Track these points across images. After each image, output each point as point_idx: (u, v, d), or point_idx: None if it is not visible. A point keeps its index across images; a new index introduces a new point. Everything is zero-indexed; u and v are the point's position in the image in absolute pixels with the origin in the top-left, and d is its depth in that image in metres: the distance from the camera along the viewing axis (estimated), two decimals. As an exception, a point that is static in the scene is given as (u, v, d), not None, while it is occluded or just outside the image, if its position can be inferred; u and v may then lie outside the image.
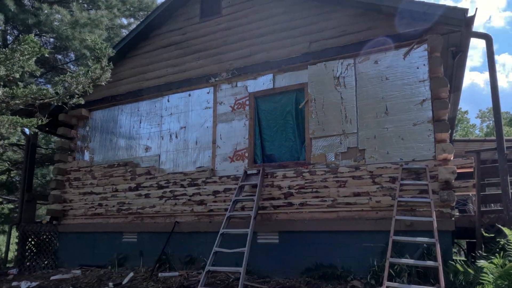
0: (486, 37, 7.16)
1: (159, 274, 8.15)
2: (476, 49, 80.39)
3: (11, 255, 15.37)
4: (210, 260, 6.98)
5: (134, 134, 10.31)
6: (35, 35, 15.55)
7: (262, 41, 8.97)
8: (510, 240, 5.54)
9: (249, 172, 8.32)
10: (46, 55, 6.85)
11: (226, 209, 8.07)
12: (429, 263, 5.90)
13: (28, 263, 10.48)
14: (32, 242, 10.77)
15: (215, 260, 7.11)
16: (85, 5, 17.45)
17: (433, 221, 6.10)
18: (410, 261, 6.18)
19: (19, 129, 7.18)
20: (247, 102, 8.93)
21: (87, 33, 14.59)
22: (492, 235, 6.59)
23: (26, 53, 6.46)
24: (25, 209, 11.24)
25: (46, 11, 14.21)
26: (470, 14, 6.83)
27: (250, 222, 7.27)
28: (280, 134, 8.55)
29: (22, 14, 13.90)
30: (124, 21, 20.35)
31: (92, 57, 7.23)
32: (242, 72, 9.02)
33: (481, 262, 5.28)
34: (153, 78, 10.22)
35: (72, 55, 18.24)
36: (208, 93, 9.47)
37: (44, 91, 6.78)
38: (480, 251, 6.39)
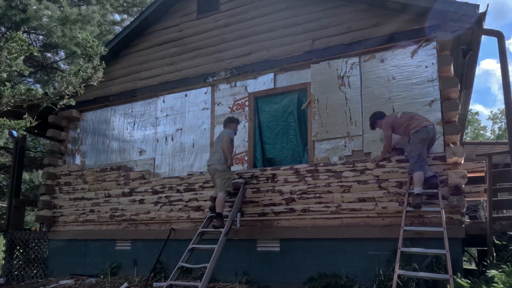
0: (498, 34, 7.17)
1: (154, 284, 8.17)
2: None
3: (-2, 263, 15.40)
4: (174, 275, 7.01)
5: (128, 137, 10.33)
6: (24, 32, 15.58)
7: (262, 38, 8.99)
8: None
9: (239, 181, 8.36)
10: (35, 53, 6.88)
11: (225, 215, 8.03)
12: (440, 276, 5.88)
13: (16, 272, 10.49)
14: (21, 250, 10.78)
15: (215, 269, 7.09)
16: (76, 0, 17.48)
17: (444, 230, 6.07)
18: (420, 274, 6.16)
19: (6, 131, 7.20)
20: (247, 103, 8.95)
21: (78, 30, 14.62)
22: (505, 242, 6.59)
23: (13, 51, 6.50)
24: (13, 216, 11.24)
25: (34, 7, 14.23)
26: (481, 10, 6.86)
27: (219, 238, 7.17)
28: (281, 136, 8.56)
29: (10, 10, 13.93)
30: (117, 17, 20.41)
31: (83, 56, 7.24)
32: (241, 71, 9.04)
33: (492, 272, 5.28)
34: (147, 78, 10.24)
35: (62, 53, 18.28)
36: (205, 93, 9.49)
37: (33, 92, 6.82)
38: (491, 260, 6.40)
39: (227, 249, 7.60)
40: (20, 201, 11.60)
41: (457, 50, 7.94)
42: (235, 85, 9.19)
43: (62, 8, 15.07)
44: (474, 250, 11.53)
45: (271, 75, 8.79)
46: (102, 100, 10.74)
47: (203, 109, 9.45)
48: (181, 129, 9.63)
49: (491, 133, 39.53)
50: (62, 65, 18.67)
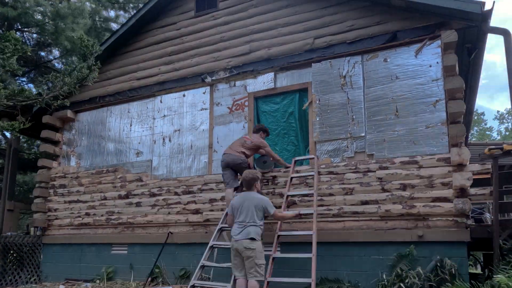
0: (504, 33, 7.18)
1: (152, 289, 8.17)
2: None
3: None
4: (196, 274, 7.00)
5: (124, 138, 10.34)
6: (17, 30, 15.61)
7: (262, 37, 9.00)
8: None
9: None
10: (29, 53, 6.89)
11: (223, 219, 8.07)
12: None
13: (10, 277, 10.49)
14: (14, 255, 10.78)
15: (213, 273, 7.11)
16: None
17: (313, 234, 6.47)
18: None
19: (-1, 133, 7.23)
20: (246, 103, 8.95)
21: (70, 24, 14.60)
22: (511, 246, 6.60)
23: (7, 51, 6.50)
24: (7, 219, 11.26)
25: (27, 4, 14.24)
26: (487, 8, 6.87)
27: None
28: (281, 137, 8.57)
29: (1, 7, 13.95)
30: (112, 14, 20.43)
31: (78, 55, 7.25)
32: (240, 71, 9.06)
33: (498, 277, 5.29)
34: (144, 77, 10.24)
35: (56, 52, 18.30)
36: (204, 93, 9.50)
37: (27, 92, 6.83)
38: (497, 264, 6.40)
39: (226, 253, 7.59)
40: (14, 204, 11.61)
41: (462, 49, 7.95)
42: (235, 85, 9.20)
43: (52, 4, 15.07)
44: (479, 254, 11.54)
45: (271, 75, 8.79)
46: (97, 100, 10.75)
47: (201, 110, 9.46)
48: (179, 130, 9.63)
49: (497, 134, 39.52)
50: (56, 64, 18.69)
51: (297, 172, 7.97)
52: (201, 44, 9.71)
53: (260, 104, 8.93)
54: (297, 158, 7.92)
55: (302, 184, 7.93)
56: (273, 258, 6.62)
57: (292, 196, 7.72)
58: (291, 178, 7.70)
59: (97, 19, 18.20)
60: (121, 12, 20.43)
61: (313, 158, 7.74)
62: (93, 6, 16.55)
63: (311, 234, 6.60)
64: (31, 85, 17.84)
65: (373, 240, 7.21)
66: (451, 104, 7.04)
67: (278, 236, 6.89)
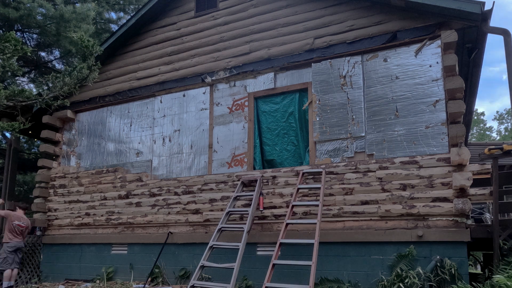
0: (504, 33, 7.16)
1: (151, 290, 8.16)
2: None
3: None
4: (196, 274, 6.96)
5: (124, 138, 10.33)
6: (17, 31, 15.59)
7: (262, 37, 8.99)
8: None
9: (246, 181, 8.29)
10: (29, 53, 6.88)
11: (245, 212, 8.01)
12: None
13: (9, 278, 10.47)
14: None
15: (211, 274, 7.10)
16: (71, -2, 17.50)
17: (315, 243, 6.31)
18: None
19: (-1, 133, 7.24)
20: (246, 103, 8.95)
21: (72, 28, 14.61)
22: (511, 246, 6.60)
23: (7, 51, 6.50)
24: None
25: (28, 5, 14.23)
26: (487, 8, 6.86)
27: (242, 236, 7.21)
28: (281, 137, 8.56)
29: (3, 8, 13.94)
30: (113, 16, 20.43)
31: (78, 55, 7.24)
32: (240, 71, 9.05)
33: (497, 277, 5.28)
34: (144, 77, 10.24)
35: (57, 52, 18.28)
36: (204, 93, 9.49)
37: (27, 93, 6.82)
38: (497, 264, 6.39)
39: (226, 253, 7.59)
40: (14, 204, 11.59)
41: (462, 49, 7.94)
42: (234, 85, 9.19)
43: (56, 6, 15.07)
44: (479, 254, 11.54)
45: (271, 75, 8.79)
46: (97, 101, 10.74)
47: (201, 110, 9.45)
48: (179, 130, 9.63)
49: (497, 134, 39.50)
50: (56, 64, 18.68)
51: (297, 172, 7.97)
52: (201, 44, 9.70)
53: (260, 104, 8.92)
54: (305, 171, 7.88)
55: (301, 184, 7.91)
56: (273, 264, 6.57)
57: (297, 206, 7.69)
58: (298, 189, 7.67)
59: (98, 20, 18.20)
60: (122, 14, 20.44)
61: (321, 172, 7.74)
62: (97, 8, 16.53)
63: (313, 243, 6.53)
64: (31, 85, 17.85)
65: (373, 240, 7.20)
66: (451, 104, 7.03)
67: (280, 243, 6.85)
